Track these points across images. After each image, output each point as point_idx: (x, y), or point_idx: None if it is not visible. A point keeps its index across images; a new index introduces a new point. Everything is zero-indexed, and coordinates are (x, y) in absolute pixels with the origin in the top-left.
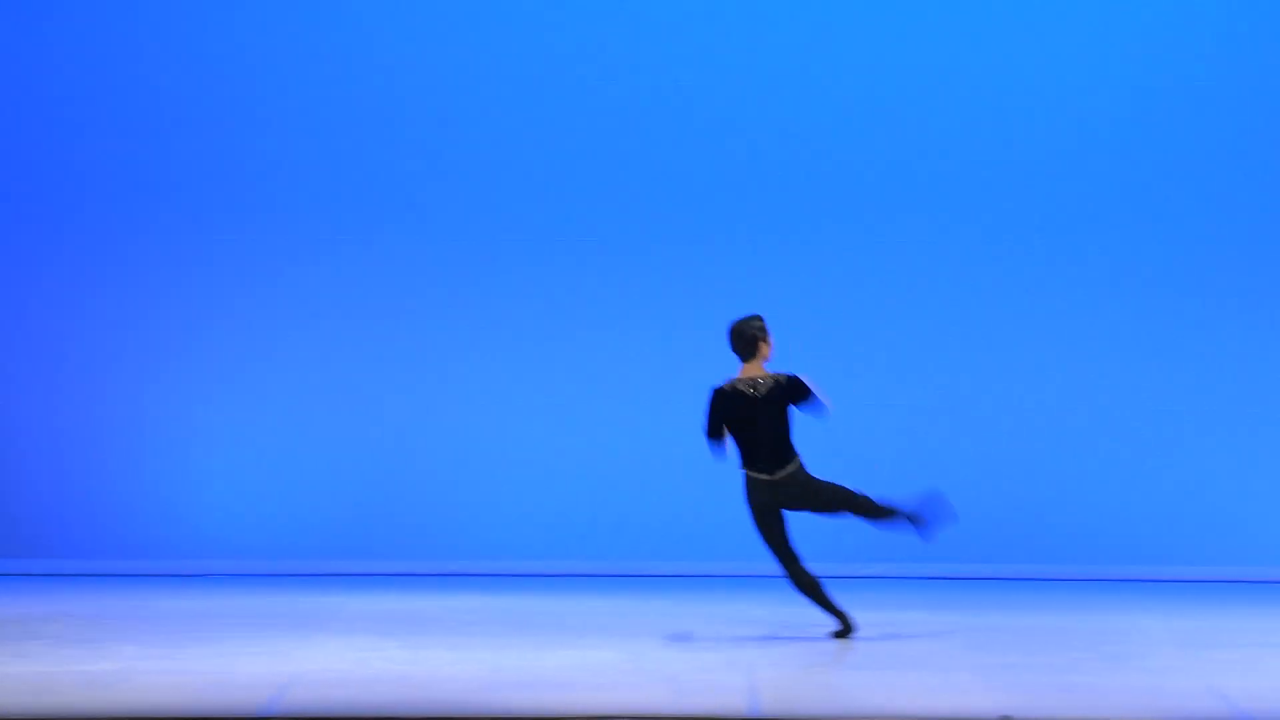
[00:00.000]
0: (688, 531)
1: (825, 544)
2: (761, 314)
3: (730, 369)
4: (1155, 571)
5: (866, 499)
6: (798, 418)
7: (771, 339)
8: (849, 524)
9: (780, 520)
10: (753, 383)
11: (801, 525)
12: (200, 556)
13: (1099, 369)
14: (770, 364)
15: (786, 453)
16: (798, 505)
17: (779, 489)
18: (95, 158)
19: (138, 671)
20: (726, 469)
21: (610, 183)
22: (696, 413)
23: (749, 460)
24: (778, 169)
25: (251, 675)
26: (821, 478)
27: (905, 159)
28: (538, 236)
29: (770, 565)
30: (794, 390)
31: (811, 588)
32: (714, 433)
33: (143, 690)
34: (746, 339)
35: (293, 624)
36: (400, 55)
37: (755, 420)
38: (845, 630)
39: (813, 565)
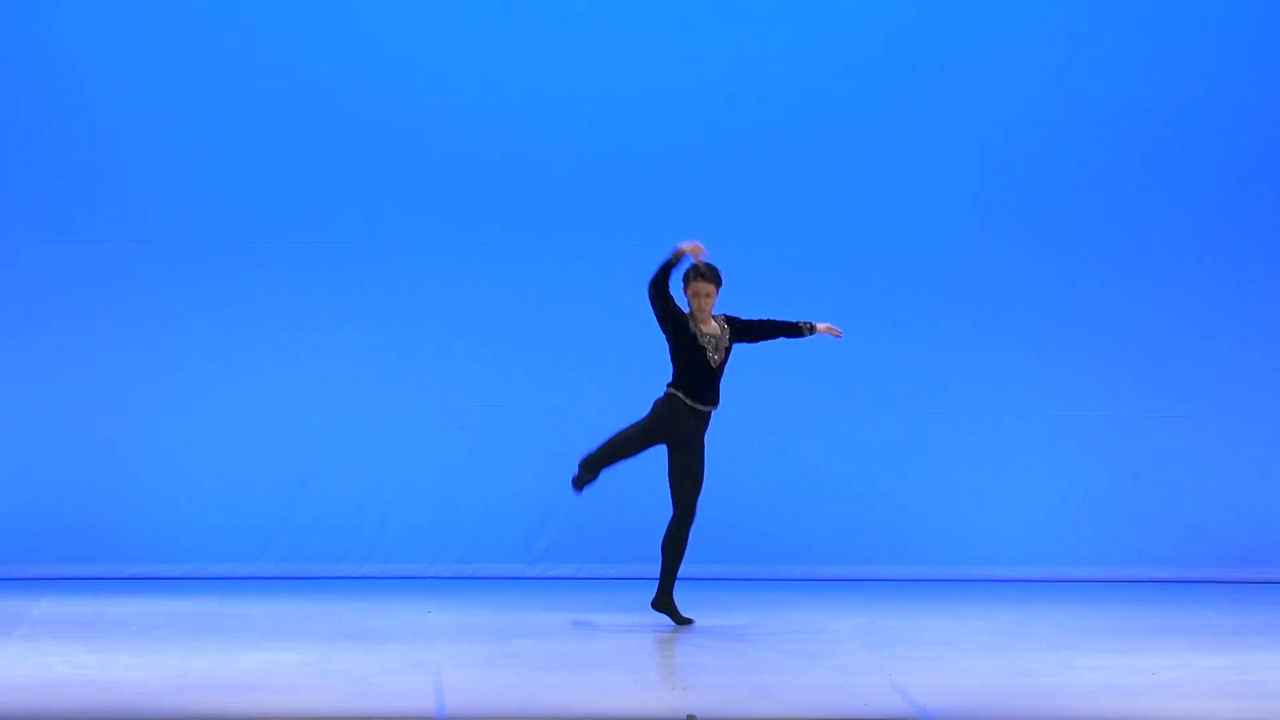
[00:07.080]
0: (375, 534)
1: (510, 545)
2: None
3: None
4: (840, 571)
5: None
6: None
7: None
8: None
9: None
10: None
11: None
12: None
13: (786, 372)
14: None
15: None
16: None
17: None
18: None
19: None
20: (410, 477)
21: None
22: (386, 417)
23: None
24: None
25: None
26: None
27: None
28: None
29: (459, 568)
30: None
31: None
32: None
33: None
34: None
35: None
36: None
37: None
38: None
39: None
